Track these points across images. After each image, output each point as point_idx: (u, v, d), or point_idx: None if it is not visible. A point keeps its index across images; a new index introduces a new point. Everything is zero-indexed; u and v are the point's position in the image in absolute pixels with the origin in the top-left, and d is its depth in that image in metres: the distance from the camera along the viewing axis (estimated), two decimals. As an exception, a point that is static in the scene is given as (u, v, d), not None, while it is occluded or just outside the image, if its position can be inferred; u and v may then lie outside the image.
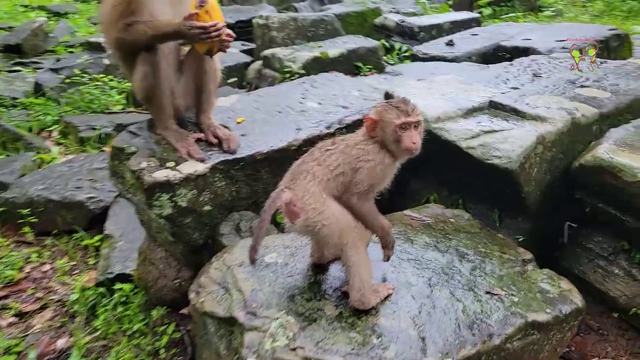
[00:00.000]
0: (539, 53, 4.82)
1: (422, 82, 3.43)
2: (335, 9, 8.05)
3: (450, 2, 10.55)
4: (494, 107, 3.09)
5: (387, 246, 2.04)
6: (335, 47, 5.88)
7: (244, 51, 7.09)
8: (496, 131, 2.82)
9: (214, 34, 2.39)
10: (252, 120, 3.00)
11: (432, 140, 2.91)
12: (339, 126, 3.08)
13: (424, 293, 2.08)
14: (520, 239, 2.87)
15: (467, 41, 5.91)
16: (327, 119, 3.10)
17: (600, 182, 2.66)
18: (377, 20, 7.40)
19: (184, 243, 2.65)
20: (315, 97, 3.38)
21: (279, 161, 2.75)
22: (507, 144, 2.72)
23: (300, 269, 2.18)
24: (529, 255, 2.45)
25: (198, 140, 2.68)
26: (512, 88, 3.37)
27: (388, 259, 2.08)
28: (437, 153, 2.96)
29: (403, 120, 1.89)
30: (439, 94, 3.21)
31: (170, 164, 2.52)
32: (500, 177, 2.76)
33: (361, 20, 7.70)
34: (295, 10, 9.46)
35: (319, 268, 2.19)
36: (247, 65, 6.50)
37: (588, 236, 2.94)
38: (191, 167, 2.51)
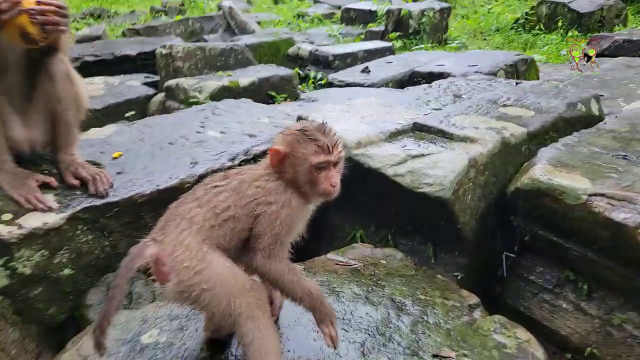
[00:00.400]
0: (454, 77, 4.70)
1: (340, 106, 3.06)
2: (247, 39, 7.68)
3: (362, 37, 10.65)
4: (419, 130, 2.77)
5: (324, 321, 1.53)
6: (246, 76, 5.44)
7: (147, 84, 6.44)
8: (424, 155, 2.48)
9: (2, 5, 1.72)
10: (133, 155, 2.42)
11: (354, 168, 2.51)
12: (245, 157, 2.59)
13: (357, 366, 1.60)
14: (458, 277, 2.51)
15: (383, 68, 5.75)
16: (230, 150, 2.60)
17: (539, 207, 2.39)
18: (291, 50, 7.12)
19: (36, 322, 1.97)
20: (217, 126, 2.87)
21: (168, 204, 2.19)
22: (438, 169, 2.38)
23: (190, 349, 1.61)
24: (474, 299, 2.07)
25: (45, 185, 2.04)
26: (434, 109, 3.10)
27: (333, 343, 1.55)
28: (360, 182, 2.56)
29: (322, 159, 1.48)
30: (358, 117, 2.85)
31: (7, 216, 1.87)
32: (433, 207, 2.40)
33: (274, 50, 7.37)
34: (205, 42, 8.98)
35: (216, 345, 1.64)
36: (149, 98, 5.85)
37: (529, 267, 2.64)
38: (39, 219, 1.87)
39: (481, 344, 1.77)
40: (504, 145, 2.59)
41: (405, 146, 2.57)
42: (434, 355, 1.68)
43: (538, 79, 5.36)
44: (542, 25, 9.80)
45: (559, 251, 2.44)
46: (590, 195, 2.15)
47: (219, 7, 10.66)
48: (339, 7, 13.01)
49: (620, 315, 2.30)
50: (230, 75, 5.45)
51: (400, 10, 10.45)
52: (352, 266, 2.22)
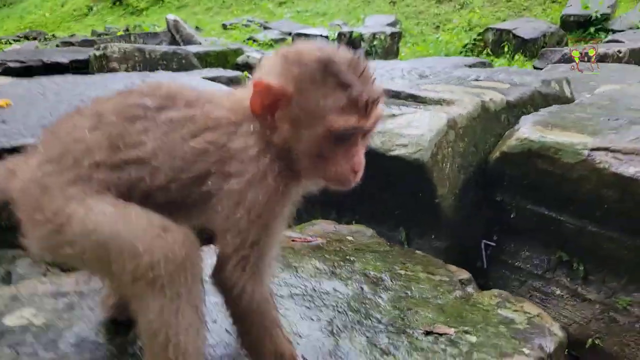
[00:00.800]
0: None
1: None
2: (193, 48, 7.24)
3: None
4: (388, 96, 2.40)
5: None
6: (190, 76, 4.98)
7: (79, 89, 5.83)
8: (396, 115, 2.10)
9: None
10: (28, 106, 1.89)
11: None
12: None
13: (325, 347, 1.12)
14: (436, 264, 2.11)
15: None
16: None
17: (529, 172, 2.05)
18: (240, 59, 6.76)
19: None
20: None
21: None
22: (413, 128, 2.00)
23: (79, 332, 1.08)
24: (465, 274, 1.66)
25: None
26: (401, 81, 2.76)
27: None
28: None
29: (352, 123, 0.90)
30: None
31: None
32: (408, 172, 2.01)
33: (222, 60, 6.97)
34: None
35: (119, 327, 1.12)
36: (79, 101, 5.25)
37: (514, 252, 2.28)
38: None
39: (484, 319, 1.34)
40: (483, 110, 2.26)
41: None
42: (427, 332, 1.23)
43: (495, 84, 5.25)
44: (489, 50, 10.03)
45: (550, 228, 2.09)
46: (592, 150, 1.82)
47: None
48: (290, 34, 12.94)
49: (624, 297, 1.96)
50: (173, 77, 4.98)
51: (351, 32, 10.44)
52: (312, 242, 1.76)
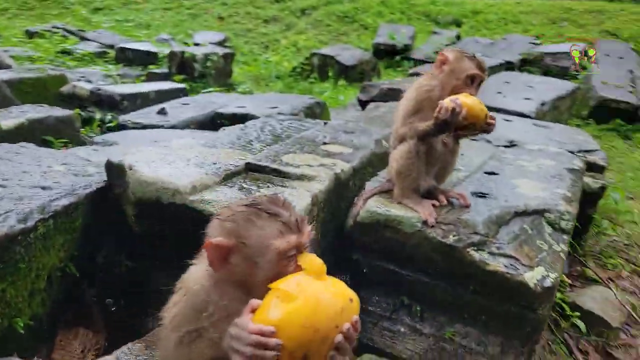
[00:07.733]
0: (259, 117, 4.74)
1: (156, 148, 2.67)
2: (3, 74, 6.34)
3: (143, 78, 10.03)
4: (253, 170, 2.61)
5: None
6: (9, 118, 4.42)
7: None
8: (268, 197, 2.32)
9: None
10: None
11: (191, 218, 2.19)
12: (41, 217, 2.00)
13: None
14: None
15: (180, 109, 5.43)
16: (19, 209, 1.97)
17: (378, 239, 2.48)
18: (65, 89, 6.15)
19: None
20: (-8, 178, 2.17)
21: None
22: (284, 210, 2.25)
23: None
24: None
25: None
26: (261, 149, 2.99)
27: None
28: (199, 234, 2.25)
29: (293, 242, 1.17)
30: (183, 161, 2.53)
31: None
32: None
33: (40, 89, 6.24)
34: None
35: None
36: None
37: (367, 298, 2.71)
38: None
39: None
40: (337, 181, 2.64)
41: (242, 189, 2.38)
42: None
43: (330, 119, 5.85)
44: (316, 74, 10.92)
45: (395, 279, 2.56)
46: (423, 222, 2.32)
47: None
48: (112, 47, 12.12)
49: (449, 329, 2.52)
50: (-16, 116, 4.34)
51: (183, 52, 10.27)
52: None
